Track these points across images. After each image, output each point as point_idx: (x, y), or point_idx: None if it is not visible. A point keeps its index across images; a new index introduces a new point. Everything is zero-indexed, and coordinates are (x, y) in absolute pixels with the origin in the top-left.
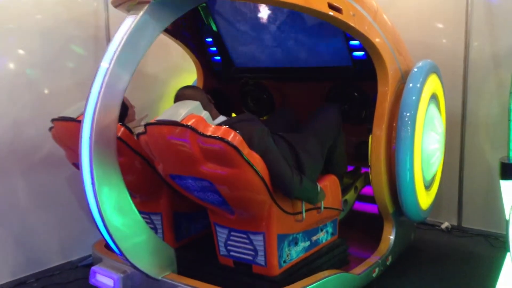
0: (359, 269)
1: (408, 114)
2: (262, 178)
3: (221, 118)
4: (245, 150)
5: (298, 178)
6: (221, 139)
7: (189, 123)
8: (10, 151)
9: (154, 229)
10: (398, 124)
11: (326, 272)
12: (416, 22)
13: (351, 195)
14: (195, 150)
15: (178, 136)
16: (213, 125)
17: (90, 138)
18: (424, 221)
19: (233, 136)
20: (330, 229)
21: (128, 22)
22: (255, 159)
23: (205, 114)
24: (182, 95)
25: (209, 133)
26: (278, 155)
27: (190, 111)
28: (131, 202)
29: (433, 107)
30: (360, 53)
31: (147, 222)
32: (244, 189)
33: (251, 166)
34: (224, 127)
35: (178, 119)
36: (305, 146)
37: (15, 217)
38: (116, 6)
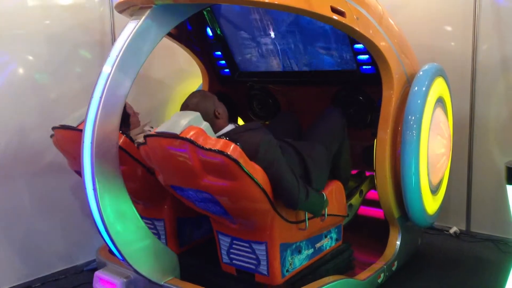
0: (364, 275)
1: (413, 118)
2: (263, 189)
3: (230, 127)
4: (245, 162)
5: (305, 192)
6: (221, 152)
7: (188, 136)
8: (16, 156)
9: (157, 235)
10: (403, 128)
11: (330, 278)
12: (425, 26)
13: (356, 199)
14: (195, 163)
15: (177, 149)
16: (220, 134)
17: (92, 143)
18: (432, 226)
19: (232, 149)
20: (334, 235)
21: (130, 27)
22: (256, 170)
23: (205, 125)
24: (186, 106)
25: (208, 146)
26: (285, 167)
27: (189, 122)
28: (133, 207)
29: (439, 111)
30: (365, 57)
31: (150, 228)
32: (245, 200)
33: (252, 178)
34: (224, 139)
35: (178, 131)
36: (311, 153)
37: (21, 221)
38: (120, 12)
